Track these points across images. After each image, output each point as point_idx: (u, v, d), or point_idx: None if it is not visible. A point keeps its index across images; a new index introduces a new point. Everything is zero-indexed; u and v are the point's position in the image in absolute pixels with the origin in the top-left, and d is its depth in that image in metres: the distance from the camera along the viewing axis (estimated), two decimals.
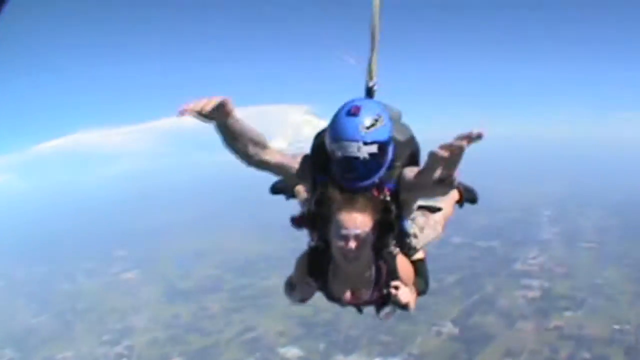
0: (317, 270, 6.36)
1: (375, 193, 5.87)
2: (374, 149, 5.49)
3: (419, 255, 7.03)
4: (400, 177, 5.92)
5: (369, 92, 7.08)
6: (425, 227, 7.22)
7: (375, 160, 5.60)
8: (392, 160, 5.91)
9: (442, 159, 4.65)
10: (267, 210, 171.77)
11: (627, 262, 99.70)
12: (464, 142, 4.40)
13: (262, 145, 5.90)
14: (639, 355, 69.12)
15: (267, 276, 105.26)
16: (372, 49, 7.08)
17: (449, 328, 77.89)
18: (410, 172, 5.83)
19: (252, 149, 5.83)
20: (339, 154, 5.54)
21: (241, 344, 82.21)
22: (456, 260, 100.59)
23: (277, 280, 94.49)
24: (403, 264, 6.34)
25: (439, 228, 7.55)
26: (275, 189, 8.28)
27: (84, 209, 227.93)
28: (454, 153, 4.55)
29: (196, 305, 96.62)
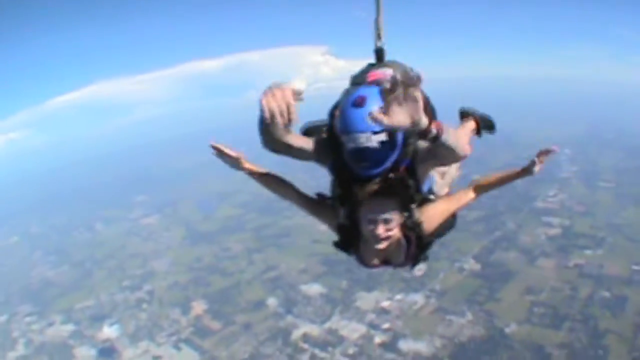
0: (348, 243, 6.55)
1: (392, 174, 5.92)
2: (383, 136, 5.53)
3: (444, 191, 7.38)
4: (415, 152, 6.05)
5: (379, 53, 7.44)
6: (445, 173, 7.50)
7: (386, 146, 5.64)
8: (404, 140, 5.88)
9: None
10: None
11: None
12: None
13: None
14: None
15: (290, 215, 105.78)
16: (378, 10, 7.42)
17: (470, 264, 78.74)
18: (424, 144, 5.89)
19: (284, 135, 6.01)
20: (350, 145, 5.59)
21: (263, 283, 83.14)
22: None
23: (300, 219, 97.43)
24: (430, 217, 6.48)
25: (457, 167, 7.73)
26: (306, 131, 7.65)
27: (102, 159, 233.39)
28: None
29: (218, 247, 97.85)
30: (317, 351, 65.12)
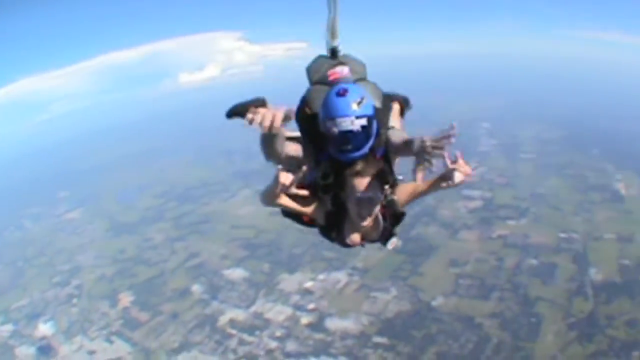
0: (334, 227, 7.26)
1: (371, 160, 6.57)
2: (364, 121, 6.15)
3: None
4: (387, 142, 6.83)
5: (333, 52, 7.69)
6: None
7: (366, 131, 6.25)
8: (378, 129, 6.59)
9: (427, 152, 5.81)
10: (204, 138, 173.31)
11: (569, 172, 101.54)
12: (448, 141, 5.67)
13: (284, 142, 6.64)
14: (587, 262, 69.78)
15: (208, 202, 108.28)
16: (334, 9, 7.48)
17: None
18: (395, 137, 6.82)
19: (280, 148, 6.50)
20: (334, 130, 6.14)
21: (186, 271, 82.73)
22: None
23: (218, 205, 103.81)
24: (400, 196, 7.24)
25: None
26: (231, 113, 7.33)
27: (24, 157, 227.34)
28: (438, 149, 5.76)
29: (140, 238, 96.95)
30: (245, 336, 64.85)
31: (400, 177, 7.31)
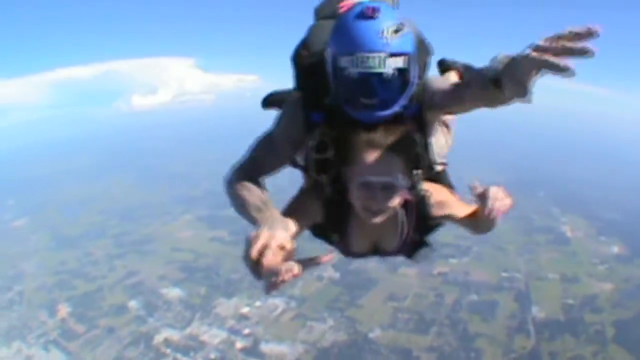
0: (335, 225, 4.96)
1: (397, 123, 4.29)
2: (400, 62, 3.97)
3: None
4: (425, 94, 4.40)
5: None
6: (441, 135, 5.53)
7: (401, 78, 4.05)
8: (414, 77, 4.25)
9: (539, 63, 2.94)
10: (150, 160, 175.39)
11: (514, 214, 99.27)
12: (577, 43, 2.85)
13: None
14: (529, 300, 70.15)
15: (149, 223, 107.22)
16: None
17: (329, 273, 77.91)
18: (440, 83, 4.53)
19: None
20: (353, 71, 3.98)
21: (124, 288, 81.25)
22: None
23: (159, 227, 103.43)
24: (437, 194, 4.96)
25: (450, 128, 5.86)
26: (268, 101, 5.99)
27: None
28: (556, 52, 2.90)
29: (81, 252, 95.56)
30: (179, 356, 64.27)
31: (438, 165, 5.16)
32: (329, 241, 5.20)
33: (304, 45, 4.93)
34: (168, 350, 64.89)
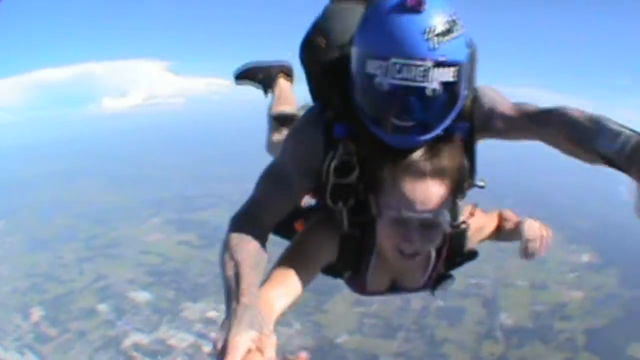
0: (351, 263, 4.02)
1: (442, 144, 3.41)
2: (449, 74, 3.07)
3: None
4: (477, 111, 3.62)
5: None
6: None
7: (448, 94, 3.15)
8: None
9: None
10: (120, 163, 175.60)
11: None
12: None
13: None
14: (497, 307, 70.31)
15: (119, 226, 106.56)
16: None
17: None
18: (506, 106, 3.65)
19: None
20: (384, 82, 3.06)
21: (94, 291, 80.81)
22: None
23: (127, 229, 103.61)
24: (474, 220, 4.16)
25: None
26: (242, 74, 6.06)
27: None
28: None
29: (53, 255, 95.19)
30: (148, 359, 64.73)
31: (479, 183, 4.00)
32: (337, 276, 4.34)
33: (319, 29, 4.10)
34: (137, 354, 65.27)
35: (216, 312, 71.00)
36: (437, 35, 2.94)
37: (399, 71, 2.96)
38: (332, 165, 3.55)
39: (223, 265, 3.35)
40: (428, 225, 3.34)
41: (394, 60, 2.96)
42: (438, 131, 3.24)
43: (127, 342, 67.48)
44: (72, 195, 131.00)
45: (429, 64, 2.94)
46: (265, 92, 6.18)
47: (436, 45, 2.94)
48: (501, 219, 4.89)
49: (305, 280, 3.75)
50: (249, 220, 3.62)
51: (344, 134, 3.54)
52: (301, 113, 4.57)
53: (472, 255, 4.34)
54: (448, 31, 2.98)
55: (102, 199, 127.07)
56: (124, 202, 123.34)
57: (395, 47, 2.96)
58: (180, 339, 67.64)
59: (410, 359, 60.20)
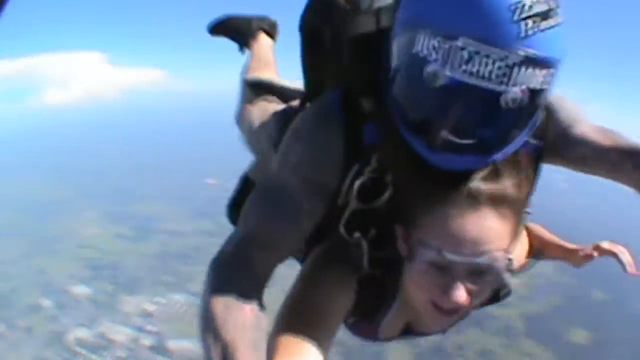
0: (366, 308, 2.90)
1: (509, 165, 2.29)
2: (540, 77, 1.94)
3: None
4: (552, 128, 2.62)
5: None
6: None
7: (531, 105, 2.02)
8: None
9: None
10: (58, 156, 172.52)
11: None
12: None
13: None
14: None
15: (57, 220, 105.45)
16: None
17: None
18: (594, 132, 2.55)
19: None
20: (442, 74, 1.91)
21: (37, 287, 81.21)
22: None
23: (66, 223, 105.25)
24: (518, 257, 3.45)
25: None
26: (217, 26, 5.02)
27: None
28: None
29: None
30: (92, 355, 65.85)
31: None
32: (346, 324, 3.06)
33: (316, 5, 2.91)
34: (81, 350, 66.45)
35: (153, 305, 74.25)
36: (532, 17, 1.80)
37: (468, 61, 1.84)
38: (357, 184, 2.50)
39: (207, 348, 2.17)
40: (479, 273, 2.30)
41: (463, 41, 1.82)
42: (507, 151, 2.15)
43: (71, 337, 68.48)
44: (10, 190, 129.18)
45: (516, 58, 1.82)
46: (242, 48, 4.91)
47: (529, 32, 1.81)
48: (535, 238, 4.06)
49: (325, 347, 2.46)
50: (240, 268, 2.47)
51: (376, 138, 2.46)
52: (286, 85, 3.95)
53: (507, 295, 3.27)
54: (547, 14, 1.84)
55: (40, 193, 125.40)
56: (63, 195, 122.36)
57: (469, 22, 1.82)
58: (120, 333, 69.09)
59: (349, 349, 52.22)
